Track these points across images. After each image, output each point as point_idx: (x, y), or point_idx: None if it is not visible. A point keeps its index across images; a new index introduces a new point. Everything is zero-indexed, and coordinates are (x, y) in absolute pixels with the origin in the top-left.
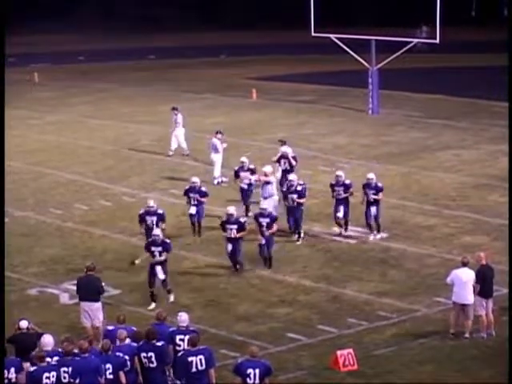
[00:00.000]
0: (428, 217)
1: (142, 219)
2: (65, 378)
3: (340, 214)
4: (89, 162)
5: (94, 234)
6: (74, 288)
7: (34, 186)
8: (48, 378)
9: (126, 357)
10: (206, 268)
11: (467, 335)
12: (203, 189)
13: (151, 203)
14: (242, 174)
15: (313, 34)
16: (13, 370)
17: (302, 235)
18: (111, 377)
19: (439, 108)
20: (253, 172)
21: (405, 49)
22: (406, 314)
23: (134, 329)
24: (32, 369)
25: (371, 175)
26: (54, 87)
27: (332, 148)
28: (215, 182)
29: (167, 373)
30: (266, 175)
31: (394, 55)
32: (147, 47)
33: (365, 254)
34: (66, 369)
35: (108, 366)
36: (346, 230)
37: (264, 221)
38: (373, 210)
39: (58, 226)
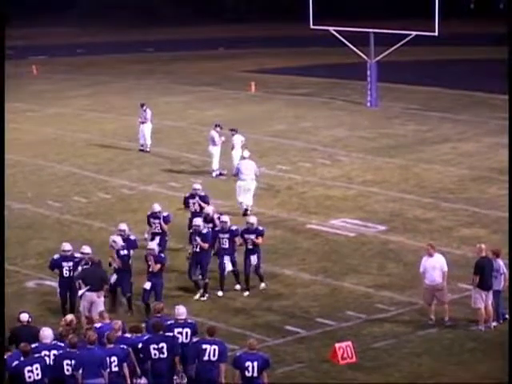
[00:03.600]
0: (426, 210)
1: (186, 202)
2: (67, 370)
3: (253, 261)
4: (87, 155)
5: (93, 227)
6: None
7: (33, 179)
8: (31, 371)
9: (130, 349)
10: None
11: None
12: (132, 237)
13: (196, 186)
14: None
15: (311, 26)
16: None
17: (206, 290)
18: (116, 369)
19: (438, 101)
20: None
21: (403, 41)
22: (405, 306)
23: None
24: (14, 364)
25: (252, 219)
26: (52, 80)
27: (331, 141)
28: (214, 174)
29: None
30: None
31: (393, 48)
32: (146, 40)
33: (363, 246)
34: (68, 361)
35: (113, 358)
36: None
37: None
38: (253, 258)
39: (56, 218)
